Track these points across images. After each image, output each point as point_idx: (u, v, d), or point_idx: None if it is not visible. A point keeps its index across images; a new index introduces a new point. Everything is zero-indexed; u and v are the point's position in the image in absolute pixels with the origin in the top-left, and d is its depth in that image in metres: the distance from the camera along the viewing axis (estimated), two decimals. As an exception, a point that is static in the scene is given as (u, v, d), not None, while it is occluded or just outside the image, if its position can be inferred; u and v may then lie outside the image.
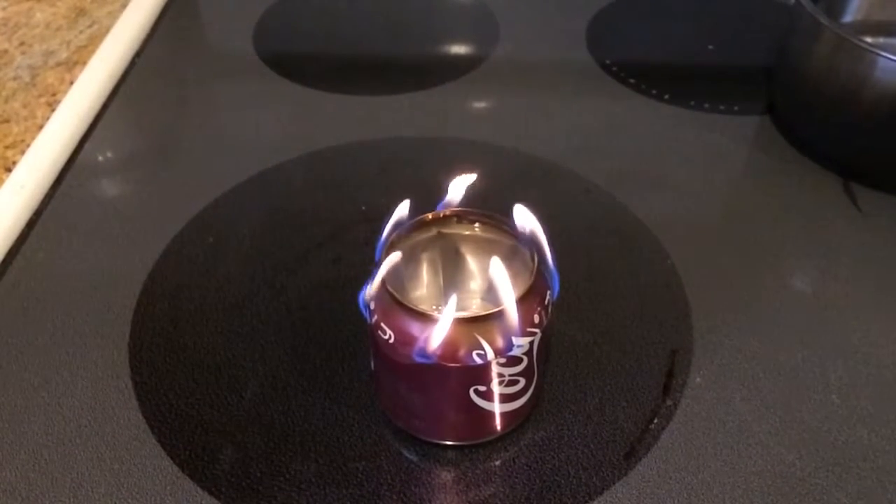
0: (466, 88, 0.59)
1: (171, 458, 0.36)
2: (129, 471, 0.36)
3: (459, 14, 0.70)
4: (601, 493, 0.35)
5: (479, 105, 0.59)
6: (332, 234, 0.47)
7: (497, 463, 0.36)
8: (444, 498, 0.35)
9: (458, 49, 0.66)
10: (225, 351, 0.41)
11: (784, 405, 0.38)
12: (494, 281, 0.31)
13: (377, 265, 0.32)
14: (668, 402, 0.38)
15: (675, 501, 0.34)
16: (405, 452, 0.36)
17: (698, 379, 0.39)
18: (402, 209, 0.35)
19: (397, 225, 0.34)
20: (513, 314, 0.31)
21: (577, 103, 0.58)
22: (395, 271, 0.34)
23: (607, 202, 0.49)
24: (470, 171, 0.36)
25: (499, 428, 0.36)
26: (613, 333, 0.41)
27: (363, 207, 0.48)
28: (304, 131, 0.55)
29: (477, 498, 0.35)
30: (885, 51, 0.45)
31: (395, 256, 0.33)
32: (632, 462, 0.36)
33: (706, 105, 0.56)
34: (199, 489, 0.35)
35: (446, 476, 0.36)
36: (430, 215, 0.35)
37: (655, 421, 0.37)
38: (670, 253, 0.45)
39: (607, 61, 0.61)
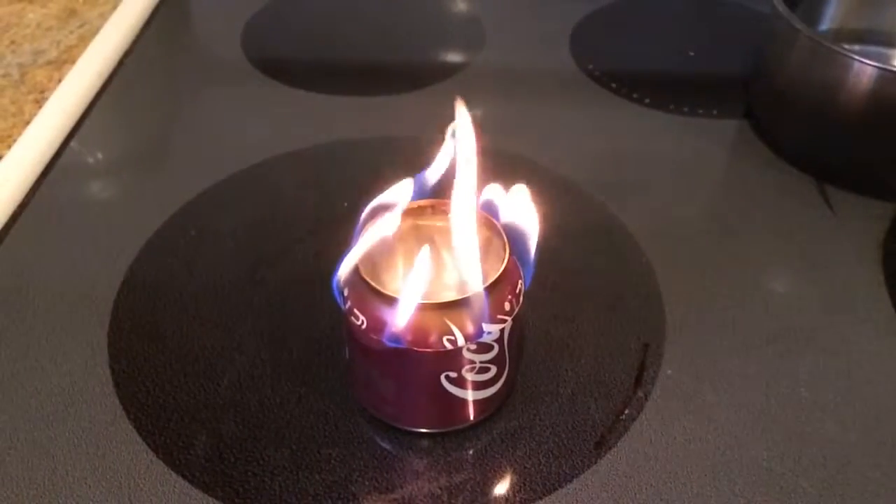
0: (451, 91, 0.60)
1: (147, 443, 0.36)
2: (104, 455, 0.36)
3: (445, 18, 0.71)
4: (570, 481, 0.35)
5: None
6: (313, 229, 0.48)
7: (470, 451, 0.37)
8: (416, 485, 0.35)
9: (444, 53, 0.67)
10: (203, 340, 0.41)
11: (753, 398, 0.39)
12: (464, 265, 0.31)
13: (350, 248, 0.33)
14: (640, 394, 0.39)
15: (643, 489, 0.35)
16: (378, 440, 0.37)
17: (669, 371, 0.39)
18: (404, 187, 0.35)
19: (376, 209, 0.35)
20: (482, 300, 0.31)
21: (560, 106, 0.59)
22: (370, 260, 0.34)
23: (586, 201, 0.50)
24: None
25: (471, 416, 0.36)
26: (588, 327, 0.42)
27: (345, 204, 0.49)
28: (290, 130, 0.56)
29: (449, 485, 0.35)
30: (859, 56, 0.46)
31: (369, 240, 0.33)
32: (602, 451, 0.36)
33: (685, 109, 0.57)
34: (173, 474, 0.35)
35: (419, 463, 0.36)
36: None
37: (626, 412, 0.38)
38: (646, 251, 0.46)
39: (590, 66, 0.62)
